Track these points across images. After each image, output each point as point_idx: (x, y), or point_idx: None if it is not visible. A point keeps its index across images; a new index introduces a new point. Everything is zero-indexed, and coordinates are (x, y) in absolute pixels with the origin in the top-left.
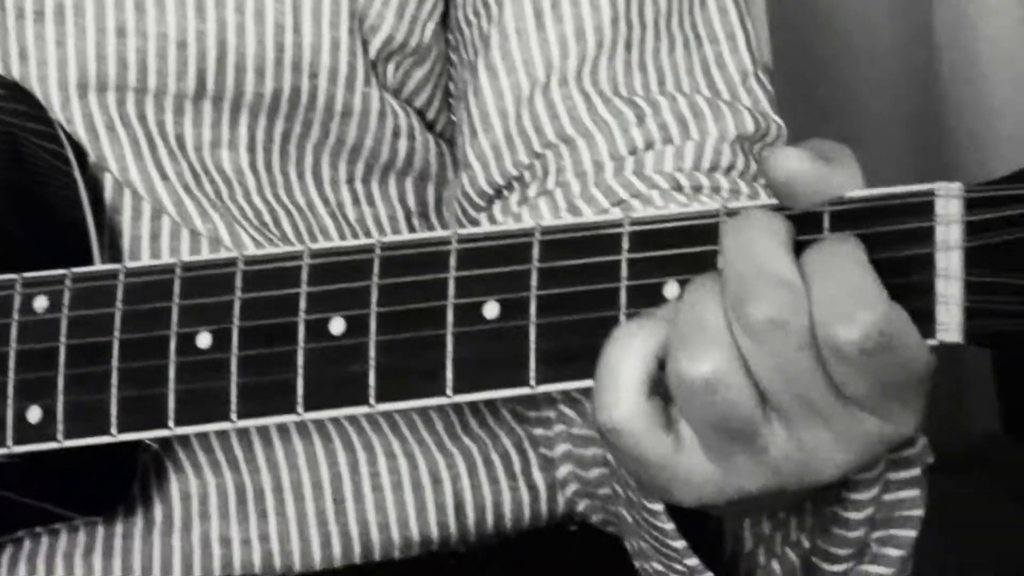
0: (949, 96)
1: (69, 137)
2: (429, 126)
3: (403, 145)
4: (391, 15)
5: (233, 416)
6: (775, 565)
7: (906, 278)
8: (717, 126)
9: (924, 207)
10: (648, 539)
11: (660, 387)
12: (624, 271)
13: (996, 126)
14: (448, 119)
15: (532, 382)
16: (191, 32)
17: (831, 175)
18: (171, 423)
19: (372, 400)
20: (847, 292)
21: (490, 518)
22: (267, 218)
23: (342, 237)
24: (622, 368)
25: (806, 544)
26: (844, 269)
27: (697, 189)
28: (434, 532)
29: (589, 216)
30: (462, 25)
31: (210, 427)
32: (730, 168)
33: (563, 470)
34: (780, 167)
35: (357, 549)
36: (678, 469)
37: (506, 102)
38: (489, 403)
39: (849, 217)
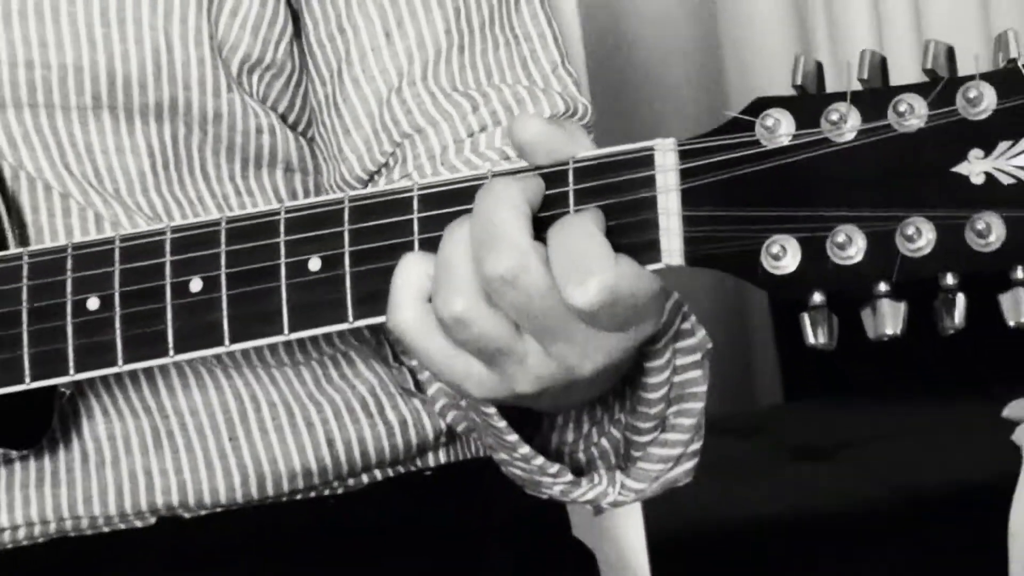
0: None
1: None
2: (292, 126)
3: (266, 140)
4: (247, 36)
5: (120, 362)
6: (604, 441)
7: (636, 216)
8: (536, 109)
9: (646, 160)
10: (491, 436)
11: None
12: (415, 230)
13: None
14: (307, 120)
15: (350, 319)
16: (86, 60)
17: (564, 138)
18: (71, 371)
19: (227, 342)
20: (578, 260)
21: (356, 450)
22: (160, 209)
23: None
24: (400, 283)
25: (625, 418)
26: (577, 240)
27: None
28: (313, 464)
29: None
30: (315, 48)
31: (104, 372)
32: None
33: (433, 388)
34: (521, 131)
35: (253, 479)
36: (456, 368)
37: (370, 105)
38: (346, 358)
39: (589, 171)
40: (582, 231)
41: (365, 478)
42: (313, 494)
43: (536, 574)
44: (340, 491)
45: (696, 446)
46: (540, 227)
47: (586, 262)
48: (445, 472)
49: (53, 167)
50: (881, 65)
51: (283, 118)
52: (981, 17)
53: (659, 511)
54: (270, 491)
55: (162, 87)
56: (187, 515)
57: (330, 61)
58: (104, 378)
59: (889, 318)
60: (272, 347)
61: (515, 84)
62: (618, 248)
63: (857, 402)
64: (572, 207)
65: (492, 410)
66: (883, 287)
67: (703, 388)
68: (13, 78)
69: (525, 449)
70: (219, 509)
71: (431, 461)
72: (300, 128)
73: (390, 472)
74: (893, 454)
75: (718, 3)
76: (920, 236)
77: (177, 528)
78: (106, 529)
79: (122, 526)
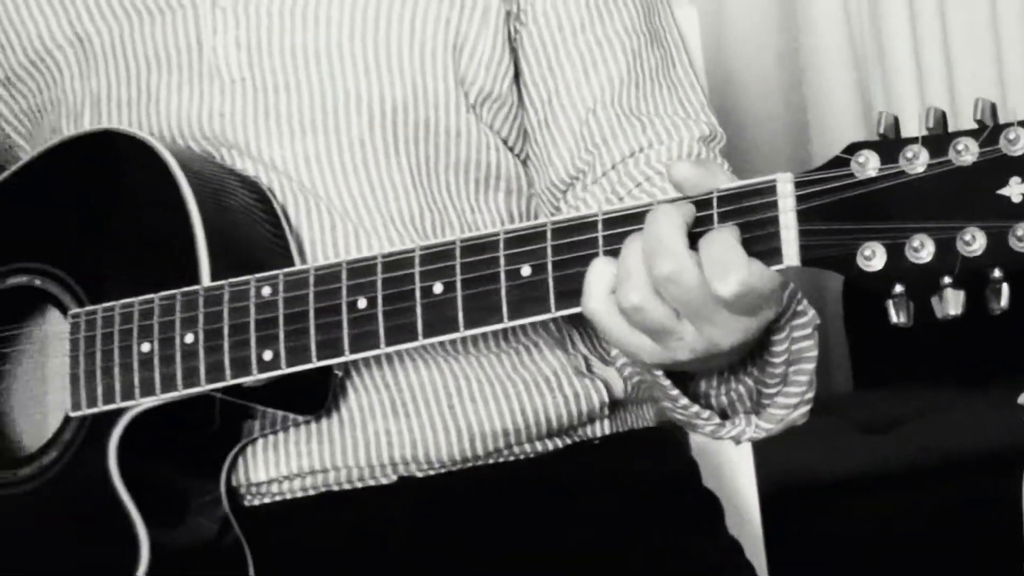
0: (808, 83)
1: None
2: (510, 149)
3: (493, 156)
4: (482, 72)
5: (382, 346)
6: (740, 387)
7: (763, 230)
8: (688, 133)
9: (770, 189)
10: (658, 391)
11: None
12: (600, 243)
13: (834, 107)
14: (522, 145)
15: (553, 310)
16: (364, 91)
17: (708, 175)
18: (347, 352)
19: (461, 329)
20: (722, 263)
21: (541, 417)
22: (416, 215)
23: (463, 231)
24: (591, 281)
25: (756, 373)
26: (720, 248)
27: None
28: (509, 426)
29: (600, 206)
30: (529, 85)
31: (370, 353)
32: (698, 156)
33: (621, 359)
34: (676, 172)
35: (466, 437)
36: (633, 343)
37: (573, 123)
38: (535, 347)
39: (728, 198)
40: (724, 242)
41: (549, 444)
42: (511, 457)
43: (679, 517)
44: (532, 455)
45: (809, 395)
46: (693, 240)
47: (727, 264)
48: (608, 441)
49: (336, 185)
50: (943, 118)
51: (504, 142)
52: (995, 73)
53: (766, 467)
54: (479, 449)
55: (419, 108)
56: (420, 474)
57: (542, 94)
58: (355, 361)
59: (952, 302)
60: (483, 337)
61: (674, 115)
62: (750, 254)
63: (906, 389)
64: (716, 224)
65: (660, 372)
66: (947, 279)
67: (814, 353)
68: (312, 107)
69: (684, 401)
70: (443, 469)
71: (597, 431)
72: (516, 152)
73: (567, 440)
74: (935, 430)
75: (803, 75)
76: (975, 241)
77: (413, 486)
78: (359, 484)
79: (371, 482)
